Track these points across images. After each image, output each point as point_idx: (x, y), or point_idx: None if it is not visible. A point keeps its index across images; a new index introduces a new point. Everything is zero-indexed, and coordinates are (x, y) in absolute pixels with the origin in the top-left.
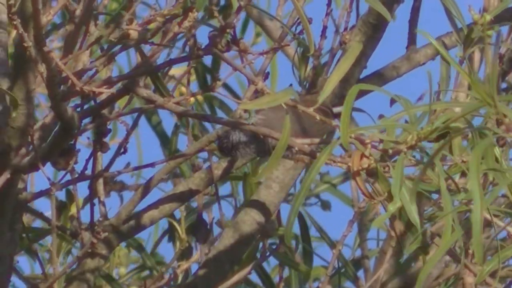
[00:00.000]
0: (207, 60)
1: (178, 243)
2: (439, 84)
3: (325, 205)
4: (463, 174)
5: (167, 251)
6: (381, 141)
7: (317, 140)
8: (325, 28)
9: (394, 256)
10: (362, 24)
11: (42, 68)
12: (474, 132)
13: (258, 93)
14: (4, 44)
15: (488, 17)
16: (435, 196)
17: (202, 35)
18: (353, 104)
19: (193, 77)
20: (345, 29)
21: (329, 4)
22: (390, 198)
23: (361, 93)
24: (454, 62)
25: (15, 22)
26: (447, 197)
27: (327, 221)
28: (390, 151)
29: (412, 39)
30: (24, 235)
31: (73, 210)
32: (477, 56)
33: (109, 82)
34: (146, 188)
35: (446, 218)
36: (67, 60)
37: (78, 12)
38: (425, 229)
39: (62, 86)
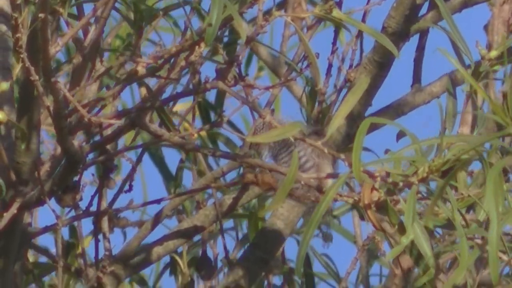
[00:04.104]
0: (210, 96)
1: (180, 277)
2: (445, 120)
3: (327, 237)
4: (468, 210)
5: (169, 285)
6: (388, 174)
7: (323, 174)
8: (330, 65)
9: None
10: (367, 62)
11: (48, 101)
12: (484, 161)
13: (256, 130)
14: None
15: (495, 53)
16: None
17: (206, 72)
18: (363, 138)
19: (196, 113)
20: (350, 66)
21: (334, 42)
22: (400, 231)
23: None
24: (479, 86)
25: (22, 56)
26: (459, 226)
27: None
28: (401, 184)
29: (417, 77)
30: (29, 271)
31: (79, 248)
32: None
33: (116, 115)
34: (153, 224)
35: (462, 243)
36: (75, 92)
37: (86, 44)
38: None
39: (68, 120)
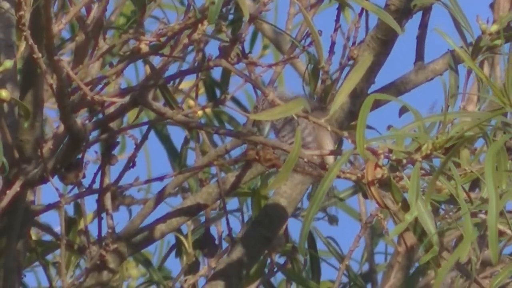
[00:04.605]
0: (216, 74)
1: (185, 258)
2: (448, 96)
3: (333, 220)
4: (471, 188)
5: (174, 265)
6: (391, 151)
7: (326, 151)
8: (333, 43)
9: (402, 271)
10: (370, 40)
11: (52, 79)
12: (487, 138)
13: (257, 107)
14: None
15: (496, 27)
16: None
17: (211, 50)
18: (367, 115)
19: (201, 90)
20: (353, 44)
21: (337, 20)
22: (404, 208)
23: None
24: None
25: (24, 33)
26: (462, 202)
27: (335, 235)
28: (404, 161)
29: (419, 54)
30: (32, 249)
31: (82, 225)
32: (486, 69)
33: (119, 94)
34: (156, 202)
35: (466, 219)
36: (78, 70)
37: (88, 21)
38: (439, 239)
39: (71, 98)
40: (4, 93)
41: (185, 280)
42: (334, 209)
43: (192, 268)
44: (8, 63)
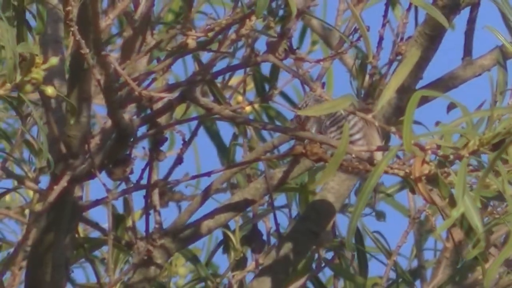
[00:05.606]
0: (265, 69)
1: (232, 253)
2: (496, 92)
3: (380, 215)
4: None
5: (222, 261)
6: (438, 147)
7: (374, 147)
8: (381, 38)
9: (450, 267)
10: (418, 35)
11: (99, 74)
12: None
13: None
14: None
15: None
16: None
17: (261, 46)
18: (414, 111)
19: (251, 86)
20: (401, 39)
21: (385, 15)
22: (451, 204)
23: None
24: None
25: (72, 29)
26: (510, 198)
27: (384, 231)
28: (451, 157)
29: (467, 50)
30: (80, 244)
31: (130, 221)
32: None
33: (167, 89)
34: (203, 197)
35: None
36: (125, 65)
37: (136, 17)
38: (486, 235)
39: (119, 93)
40: (50, 90)
41: (233, 276)
42: (381, 205)
43: (239, 264)
44: (54, 60)
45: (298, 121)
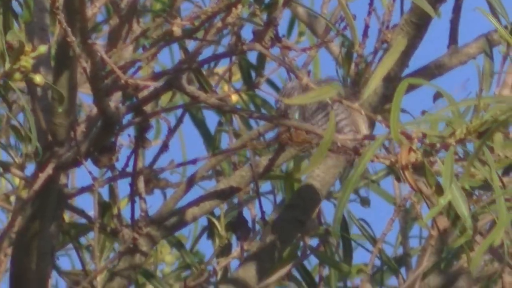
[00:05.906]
0: (252, 57)
1: (217, 240)
2: (482, 81)
3: (365, 202)
4: (505, 173)
5: (207, 248)
6: (424, 136)
7: (360, 136)
8: (367, 27)
9: (435, 254)
10: (404, 23)
11: (85, 62)
12: None
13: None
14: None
15: None
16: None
17: (247, 35)
18: (401, 99)
19: (237, 76)
20: (387, 27)
21: (371, 3)
22: (437, 192)
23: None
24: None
25: (58, 17)
26: (497, 187)
27: (369, 219)
28: (438, 145)
29: (453, 38)
30: (66, 231)
31: (115, 209)
32: None
33: (153, 77)
34: (188, 185)
35: (499, 204)
36: (111, 54)
37: (122, 5)
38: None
39: (105, 81)
40: (38, 78)
41: (218, 263)
42: (365, 191)
43: (224, 251)
44: (43, 48)
45: (279, 112)
